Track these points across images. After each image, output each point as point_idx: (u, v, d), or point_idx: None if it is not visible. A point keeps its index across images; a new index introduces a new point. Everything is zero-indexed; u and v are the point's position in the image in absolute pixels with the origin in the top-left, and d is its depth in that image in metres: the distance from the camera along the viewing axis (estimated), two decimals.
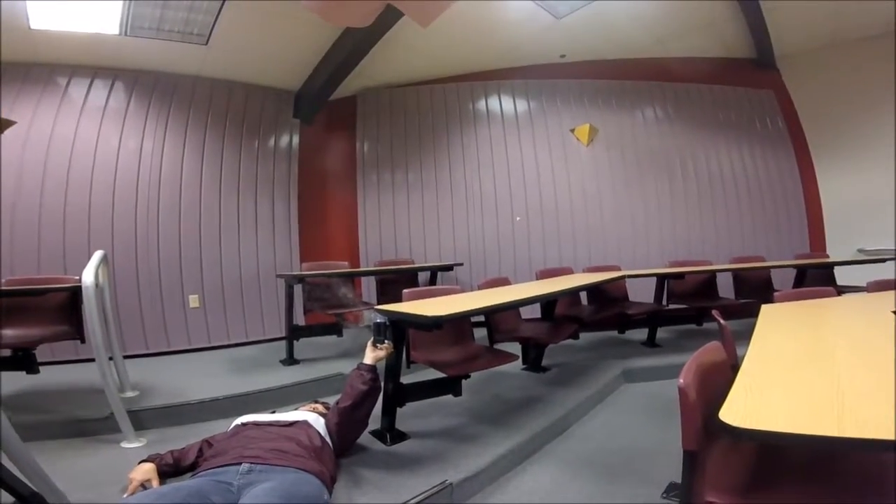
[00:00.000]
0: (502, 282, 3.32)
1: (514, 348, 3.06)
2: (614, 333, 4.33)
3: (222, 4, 3.29)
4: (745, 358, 1.34)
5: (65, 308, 2.90)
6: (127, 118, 4.06)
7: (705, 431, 1.13)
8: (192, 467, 1.68)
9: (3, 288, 2.79)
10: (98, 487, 1.63)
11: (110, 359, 2.54)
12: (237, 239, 4.38)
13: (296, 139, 4.78)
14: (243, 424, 1.85)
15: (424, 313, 1.93)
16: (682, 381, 1.11)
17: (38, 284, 2.93)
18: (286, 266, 4.48)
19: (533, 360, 3.32)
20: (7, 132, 3.67)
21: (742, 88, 5.30)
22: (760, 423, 0.87)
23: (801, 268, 4.27)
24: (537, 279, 3.78)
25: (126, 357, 3.22)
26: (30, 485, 1.41)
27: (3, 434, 1.38)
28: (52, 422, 2.31)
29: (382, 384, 2.06)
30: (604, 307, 4.05)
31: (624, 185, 5.00)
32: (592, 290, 4.04)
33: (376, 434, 2.13)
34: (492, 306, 2.28)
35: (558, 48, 4.72)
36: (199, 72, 4.27)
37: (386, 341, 2.07)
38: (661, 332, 4.03)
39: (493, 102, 5.05)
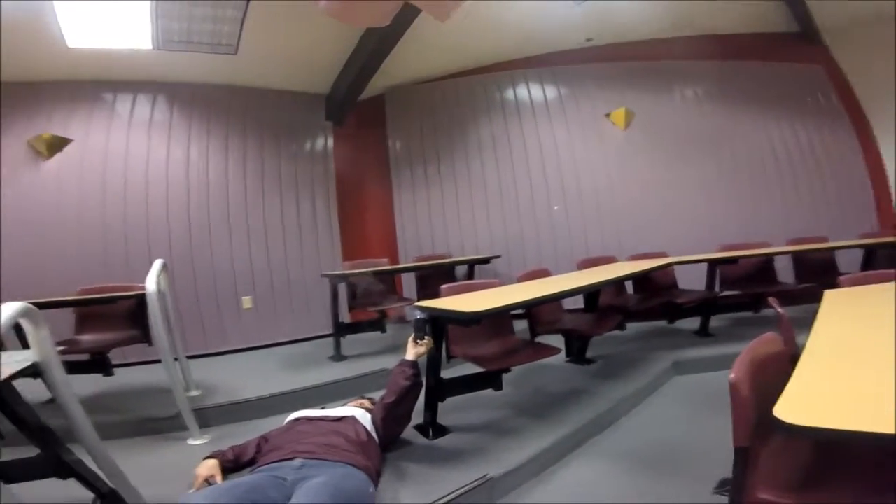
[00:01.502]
0: (542, 273, 3.28)
1: (557, 340, 3.05)
2: (663, 323, 4.19)
3: (244, 14, 3.39)
4: (805, 349, 1.27)
5: (133, 314, 3.14)
6: (172, 130, 4.31)
7: (759, 427, 1.10)
8: (251, 462, 1.78)
9: (79, 297, 3.06)
10: (167, 483, 1.75)
11: (175, 360, 2.73)
12: (283, 241, 4.58)
13: (330, 141, 4.93)
14: (296, 420, 1.96)
15: (462, 309, 1.96)
16: (733, 375, 1.09)
17: (108, 293, 3.18)
18: (330, 264, 4.63)
19: (577, 352, 3.28)
20: (66, 149, 3.99)
21: (787, 64, 4.95)
22: (817, 419, 0.83)
23: (870, 247, 3.96)
24: (578, 269, 3.71)
25: (188, 357, 3.46)
26: (108, 483, 1.55)
27: (86, 434, 1.52)
28: (126, 421, 2.52)
29: (424, 379, 2.11)
30: (651, 296, 3.92)
31: (666, 167, 4.78)
32: (638, 278, 3.90)
33: (419, 428, 2.18)
34: (530, 300, 2.27)
35: (583, 32, 4.58)
36: (233, 81, 4.46)
37: (426, 337, 2.11)
38: (715, 321, 3.85)
39: (522, 91, 4.97)
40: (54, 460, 1.54)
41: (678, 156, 4.80)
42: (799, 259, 4.12)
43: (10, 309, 1.30)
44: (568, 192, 4.79)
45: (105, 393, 2.96)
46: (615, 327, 3.32)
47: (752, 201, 4.75)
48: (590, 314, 3.31)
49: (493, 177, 4.88)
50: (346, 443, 1.72)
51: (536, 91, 4.94)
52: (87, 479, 1.57)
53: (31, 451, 1.53)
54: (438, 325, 2.14)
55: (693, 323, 3.86)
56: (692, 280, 3.93)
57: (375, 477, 1.68)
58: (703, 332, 3.76)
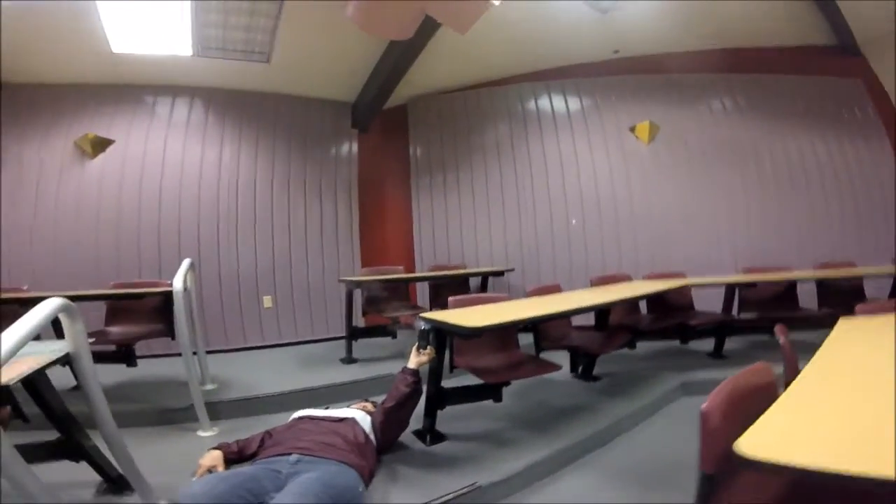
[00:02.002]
0: (553, 289, 3.30)
1: (564, 356, 3.07)
2: (676, 343, 4.13)
3: (276, 24, 3.56)
4: (797, 379, 1.26)
5: (159, 309, 3.30)
6: (207, 133, 4.53)
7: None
8: (254, 455, 1.88)
9: (110, 292, 3.26)
10: (174, 471, 1.84)
11: (194, 354, 2.88)
12: (305, 243, 4.74)
13: (354, 147, 5.08)
14: (300, 418, 2.05)
15: (463, 323, 2.01)
16: (706, 405, 1.09)
17: (138, 289, 3.37)
18: (349, 268, 4.77)
19: (584, 368, 3.28)
20: (109, 149, 4.25)
21: (822, 77, 4.83)
22: (784, 454, 0.81)
23: None
24: (591, 286, 3.72)
25: (208, 352, 3.61)
26: (117, 468, 1.67)
27: (105, 422, 1.63)
28: (143, 411, 2.66)
29: (424, 387, 2.17)
30: (664, 316, 3.87)
31: (691, 184, 4.72)
32: (653, 297, 3.88)
33: (418, 434, 2.25)
34: (533, 317, 2.30)
35: (610, 44, 4.58)
36: (264, 88, 4.68)
37: (428, 347, 2.18)
38: (731, 343, 3.79)
39: (544, 103, 4.99)
40: (72, 444, 1.67)
41: (703, 172, 4.73)
42: (824, 284, 4.01)
43: (51, 304, 1.41)
44: (587, 206, 4.78)
45: (127, 383, 3.13)
46: (623, 346, 3.31)
47: (778, 221, 4.65)
48: (598, 332, 3.30)
49: (511, 188, 4.91)
50: (344, 443, 1.80)
51: (559, 102, 4.96)
52: (99, 464, 1.70)
53: (39, 436, 1.64)
54: (441, 336, 2.20)
55: (707, 344, 3.80)
56: (710, 300, 3.87)
57: (368, 477, 1.75)
58: (717, 354, 3.70)
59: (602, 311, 3.32)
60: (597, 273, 4.17)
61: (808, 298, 3.98)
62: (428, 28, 3.23)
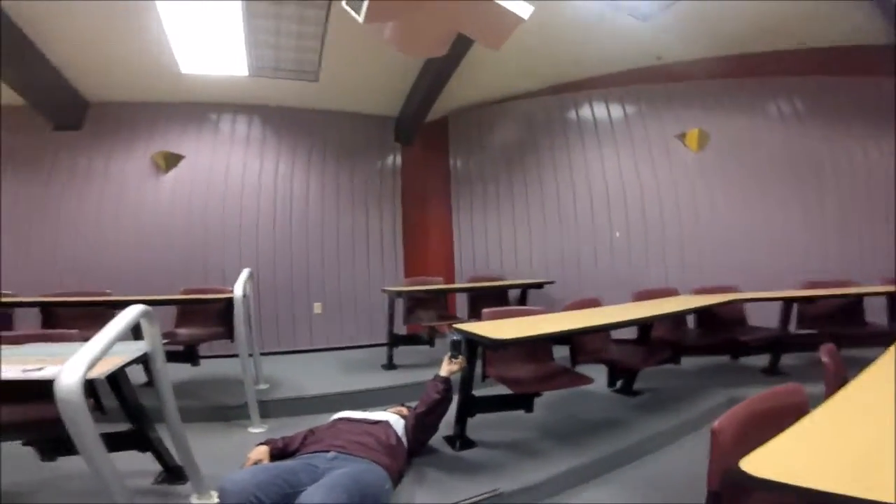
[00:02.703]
0: (590, 303, 3.28)
1: (602, 369, 3.05)
2: (726, 359, 3.97)
3: (321, 45, 3.80)
4: (828, 401, 1.23)
5: (221, 314, 3.59)
6: (265, 148, 4.90)
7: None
8: (297, 451, 2.04)
9: (181, 297, 3.60)
10: (224, 464, 1.97)
11: (250, 356, 3.12)
12: (353, 253, 4.99)
13: (398, 160, 5.31)
14: (339, 419, 2.19)
15: (492, 335, 2.08)
16: (717, 424, 1.11)
17: (203, 294, 3.70)
18: (393, 277, 4.97)
19: (623, 383, 3.24)
20: (180, 164, 4.69)
21: (888, 78, 4.45)
22: (787, 474, 0.80)
23: None
24: (633, 301, 3.65)
25: (263, 354, 3.89)
26: (176, 459, 1.88)
27: (172, 417, 1.83)
28: (202, 407, 2.93)
29: (456, 395, 2.26)
30: (713, 331, 3.74)
31: (744, 194, 4.48)
32: (701, 312, 3.76)
33: (448, 439, 2.34)
34: (563, 331, 2.33)
35: (652, 50, 4.46)
36: (315, 105, 5.00)
37: (459, 356, 2.27)
38: (788, 359, 3.60)
39: (585, 112, 4.94)
40: (142, 436, 1.90)
41: (759, 180, 4.48)
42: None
43: (135, 310, 1.63)
44: (631, 217, 4.68)
45: (190, 381, 3.43)
46: (664, 362, 3.23)
47: (841, 232, 4.33)
48: (638, 346, 3.25)
49: (552, 200, 4.91)
50: (376, 443, 1.92)
51: (601, 111, 4.89)
52: (162, 455, 1.92)
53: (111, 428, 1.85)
54: (472, 347, 2.28)
55: (762, 360, 3.64)
56: (766, 315, 3.69)
57: (397, 477, 1.86)
58: (772, 371, 3.54)
59: (644, 326, 3.27)
60: (642, 287, 4.07)
61: (876, 313, 3.70)
62: (463, 44, 3.35)
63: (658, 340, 3.37)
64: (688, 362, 3.76)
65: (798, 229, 4.37)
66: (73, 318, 3.22)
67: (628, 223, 4.68)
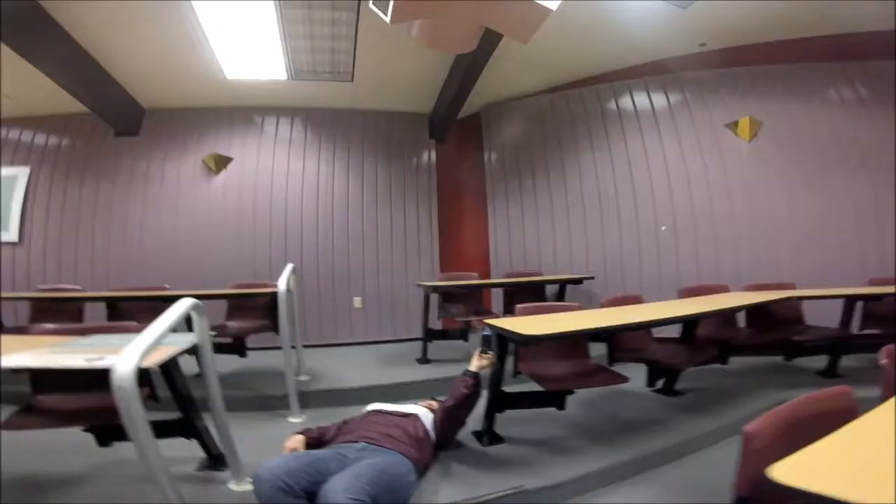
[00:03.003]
0: (631, 300, 3.18)
1: (642, 369, 2.95)
2: (779, 360, 3.74)
3: (354, 45, 3.87)
4: (879, 407, 1.13)
5: (268, 307, 3.74)
6: (307, 148, 5.08)
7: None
8: (331, 441, 2.12)
9: (228, 291, 3.80)
10: (264, 452, 2.00)
11: (293, 348, 3.26)
12: (391, 249, 5.09)
13: (433, 156, 5.35)
14: (371, 411, 2.26)
15: (522, 330, 2.06)
16: (750, 427, 1.08)
17: (251, 289, 3.88)
18: (429, 273, 5.02)
19: (665, 383, 3.12)
20: (229, 166, 4.95)
21: None
22: (819, 483, 0.75)
23: None
24: (679, 297, 3.51)
25: (305, 346, 4.04)
26: (220, 446, 1.99)
27: (217, 406, 1.92)
28: (248, 397, 3.08)
29: (486, 390, 2.27)
30: (765, 330, 3.53)
31: (803, 185, 4.17)
32: (754, 310, 3.55)
33: (476, 434, 2.34)
34: (596, 328, 2.27)
35: (695, 37, 4.22)
36: (351, 105, 5.12)
37: (490, 352, 2.27)
38: (850, 361, 3.35)
39: (626, 102, 4.76)
40: (189, 424, 2.03)
41: (819, 171, 4.16)
42: None
43: (185, 304, 1.73)
44: (678, 210, 4.47)
45: (237, 372, 3.61)
46: (709, 361, 3.08)
47: None
48: (681, 345, 3.12)
49: (592, 194, 4.78)
50: (405, 436, 1.96)
51: (642, 101, 4.70)
52: (206, 443, 2.04)
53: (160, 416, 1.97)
54: (503, 342, 2.27)
55: (819, 362, 3.40)
56: (827, 314, 3.43)
57: (422, 469, 1.89)
58: (830, 373, 3.31)
59: (689, 324, 3.13)
60: (689, 284, 3.89)
61: None
62: (492, 38, 3.31)
63: (704, 339, 3.21)
64: (737, 362, 3.58)
65: (865, 223, 4.02)
66: (135, 311, 3.47)
67: (675, 217, 4.48)
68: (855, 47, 4.12)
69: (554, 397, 2.42)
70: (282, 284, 3.00)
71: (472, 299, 4.15)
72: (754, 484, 1.05)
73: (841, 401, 1.23)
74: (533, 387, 2.44)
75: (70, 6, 3.28)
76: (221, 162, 4.93)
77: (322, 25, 3.58)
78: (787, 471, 0.81)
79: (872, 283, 3.58)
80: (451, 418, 2.17)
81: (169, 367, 1.97)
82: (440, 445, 2.16)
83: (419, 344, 3.93)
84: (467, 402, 2.19)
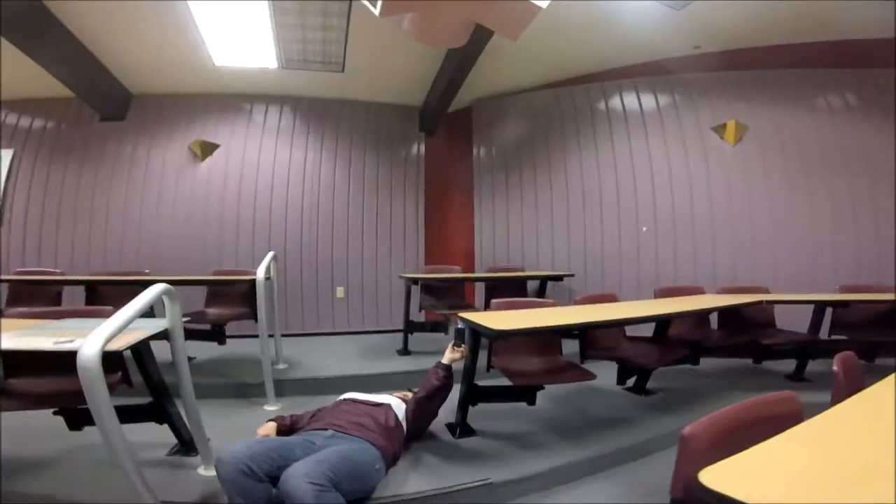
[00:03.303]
0: (605, 298, 3.24)
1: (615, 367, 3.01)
2: (748, 362, 3.83)
3: (346, 36, 3.85)
4: (821, 414, 1.14)
5: (247, 295, 3.75)
6: (294, 137, 5.05)
7: None
8: (302, 429, 2.15)
9: (205, 278, 3.79)
10: (237, 439, 2.00)
11: (271, 336, 3.27)
12: (375, 240, 5.10)
13: (422, 149, 5.35)
14: (344, 400, 2.28)
15: (493, 325, 2.10)
16: (689, 428, 1.06)
17: (231, 276, 3.89)
18: (413, 265, 5.05)
19: (636, 381, 3.19)
20: (215, 153, 4.90)
21: None
22: (744, 491, 0.75)
23: None
24: (655, 297, 3.58)
25: (288, 335, 4.06)
26: (191, 431, 2.00)
27: (186, 391, 1.91)
28: (225, 384, 3.09)
29: (460, 383, 2.31)
30: (736, 333, 3.61)
31: (786, 191, 4.23)
32: (726, 313, 3.63)
33: (449, 426, 2.39)
34: (566, 325, 2.33)
35: (689, 40, 4.25)
36: (341, 95, 5.10)
37: (462, 345, 2.31)
38: (817, 366, 3.44)
39: (615, 102, 4.79)
40: (160, 408, 2.04)
41: (802, 177, 4.23)
42: None
43: (156, 289, 1.73)
44: (660, 211, 4.53)
45: (215, 359, 3.61)
46: (680, 362, 3.16)
47: (890, 233, 4.05)
48: (653, 344, 3.18)
49: (576, 192, 4.82)
50: (374, 424, 1.98)
51: (631, 101, 4.73)
52: (178, 428, 2.06)
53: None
54: (476, 336, 2.31)
55: (788, 365, 3.50)
56: (797, 319, 3.52)
57: (391, 459, 1.92)
58: (797, 377, 3.40)
59: (661, 324, 3.19)
60: (667, 284, 3.96)
61: None
62: (483, 34, 3.32)
63: (675, 339, 3.28)
64: (708, 364, 3.67)
65: (844, 231, 4.11)
66: (114, 295, 3.44)
67: (657, 218, 4.54)
68: (853, 55, 4.17)
69: (524, 392, 2.47)
70: (260, 272, 3.00)
71: (453, 293, 4.18)
72: (687, 487, 1.00)
73: (785, 406, 1.23)
74: (506, 381, 2.48)
75: None
76: (208, 148, 4.89)
77: (314, 16, 3.56)
78: (714, 476, 0.81)
79: (844, 289, 3.67)
80: (422, 409, 2.21)
81: (140, 352, 1.98)
82: (412, 436, 2.20)
83: (401, 335, 3.96)
84: (439, 394, 2.22)
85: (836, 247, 4.11)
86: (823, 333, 3.45)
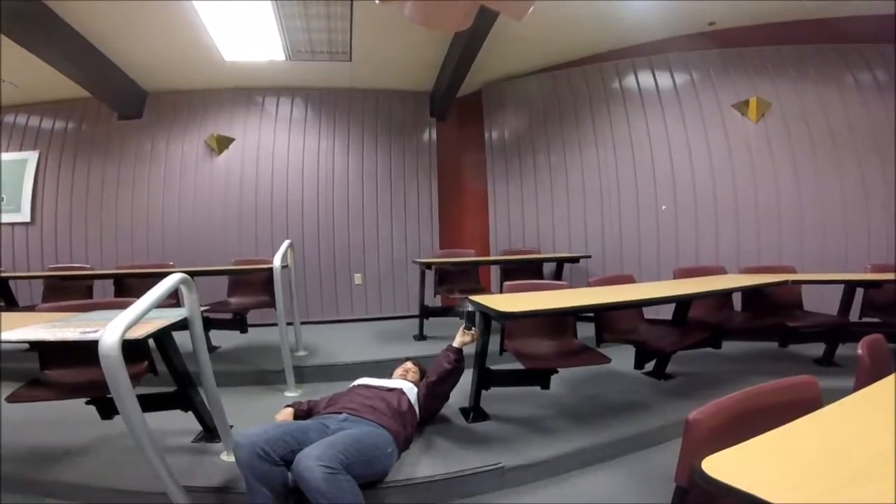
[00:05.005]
0: (622, 279, 3.18)
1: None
2: (774, 346, 3.73)
3: (350, 24, 3.83)
4: (839, 401, 1.08)
5: (267, 283, 3.83)
6: (307, 127, 5.09)
7: None
8: (319, 414, 2.20)
9: (221, 268, 3.88)
10: (258, 425, 2.20)
11: (290, 324, 3.33)
12: (391, 226, 5.13)
13: (433, 135, 5.32)
14: (358, 385, 2.32)
15: (502, 308, 2.08)
16: (693, 414, 1.04)
17: (251, 266, 3.96)
18: (428, 250, 5.07)
19: (655, 366, 3.13)
20: (231, 146, 4.98)
21: None
22: (747, 480, 0.73)
23: None
24: (674, 278, 3.50)
25: (308, 322, 4.13)
26: (213, 418, 2.07)
27: (207, 378, 1.97)
28: (246, 372, 3.18)
29: (473, 368, 2.31)
30: (761, 315, 3.50)
31: (812, 169, 4.06)
32: (750, 294, 3.52)
33: (463, 411, 2.41)
34: (578, 307, 2.28)
35: (703, 16, 4.09)
36: (352, 85, 5.09)
37: (473, 328, 2.31)
38: (848, 350, 3.32)
39: (630, 81, 4.64)
40: (184, 396, 2.12)
41: (829, 155, 4.04)
42: None
43: (173, 279, 1.77)
44: (679, 190, 4.41)
45: (237, 347, 3.72)
46: (701, 345, 3.08)
47: None
48: (672, 327, 3.12)
49: (592, 173, 4.73)
50: (387, 408, 2.02)
51: (646, 80, 4.58)
52: (202, 415, 2.14)
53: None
54: (487, 319, 2.29)
55: (816, 349, 3.38)
56: (827, 301, 3.39)
57: (403, 442, 1.96)
58: (827, 361, 3.29)
59: (680, 305, 3.12)
60: (687, 265, 3.87)
61: None
62: (489, 15, 3.25)
63: (696, 322, 3.21)
64: (731, 347, 3.57)
65: (874, 210, 3.92)
66: (141, 288, 3.55)
67: (676, 197, 4.42)
68: (877, 30, 3.94)
69: (538, 376, 2.45)
70: (276, 261, 3.03)
71: (467, 277, 4.18)
72: (692, 475, 0.96)
73: (803, 391, 1.18)
74: (520, 365, 2.48)
75: None
76: (223, 142, 4.97)
77: (316, 5, 3.54)
78: (718, 464, 0.79)
79: (875, 269, 3.51)
80: (433, 393, 2.23)
81: (163, 341, 2.04)
82: (424, 420, 2.23)
83: (417, 321, 3.99)
84: (450, 378, 2.23)
85: (867, 226, 3.93)
86: (854, 316, 3.31)
